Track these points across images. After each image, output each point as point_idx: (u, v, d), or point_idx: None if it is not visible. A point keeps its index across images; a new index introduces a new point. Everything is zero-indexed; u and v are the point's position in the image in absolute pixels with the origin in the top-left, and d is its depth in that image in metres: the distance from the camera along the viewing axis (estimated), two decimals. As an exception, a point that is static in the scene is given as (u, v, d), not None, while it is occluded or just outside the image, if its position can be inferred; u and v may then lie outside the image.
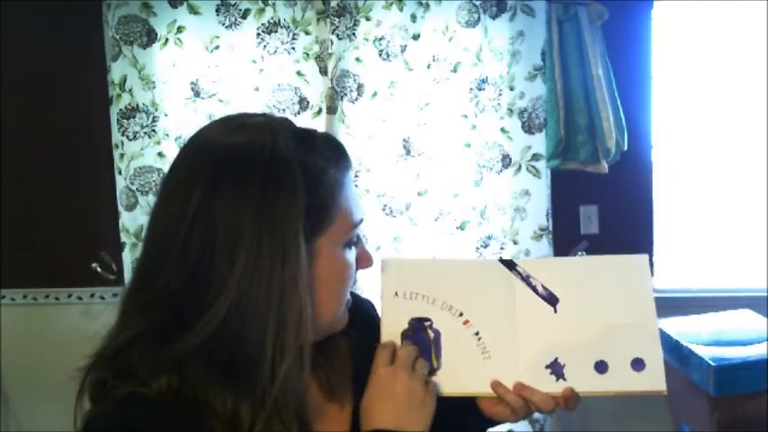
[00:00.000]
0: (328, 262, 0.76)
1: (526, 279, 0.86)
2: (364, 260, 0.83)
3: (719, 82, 2.48)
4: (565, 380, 0.83)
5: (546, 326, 0.84)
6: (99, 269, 2.43)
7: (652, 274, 0.88)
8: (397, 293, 0.86)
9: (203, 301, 0.69)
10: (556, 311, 0.85)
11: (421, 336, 0.84)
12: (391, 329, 0.84)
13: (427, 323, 0.84)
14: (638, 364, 0.83)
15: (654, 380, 0.83)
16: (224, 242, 0.69)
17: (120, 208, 2.27)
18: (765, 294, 2.31)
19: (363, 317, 0.91)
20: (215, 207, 0.70)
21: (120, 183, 2.26)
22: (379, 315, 0.87)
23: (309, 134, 0.77)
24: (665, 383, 0.83)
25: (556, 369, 0.83)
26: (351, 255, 0.79)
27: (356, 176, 2.25)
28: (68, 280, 2.48)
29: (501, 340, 0.84)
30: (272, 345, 0.70)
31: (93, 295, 2.51)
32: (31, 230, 2.51)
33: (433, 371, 0.83)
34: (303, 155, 0.73)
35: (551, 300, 0.85)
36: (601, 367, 0.83)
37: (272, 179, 0.70)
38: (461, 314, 0.85)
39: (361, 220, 0.80)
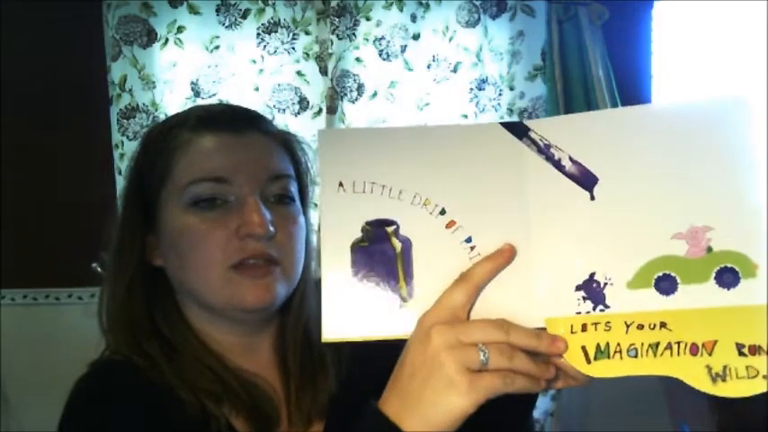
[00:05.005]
0: (170, 219, 0.80)
1: (545, 150, 0.56)
2: (243, 224, 0.72)
3: (719, 82, 2.48)
4: (607, 308, 0.54)
5: (577, 223, 0.55)
6: (99, 269, 2.42)
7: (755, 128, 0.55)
8: (342, 184, 0.57)
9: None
10: (593, 198, 0.55)
11: (381, 247, 0.56)
12: (336, 241, 0.56)
13: (391, 228, 0.56)
14: (726, 275, 0.53)
15: (752, 298, 0.52)
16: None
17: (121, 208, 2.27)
18: (765, 294, 2.31)
19: None
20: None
21: (121, 183, 2.26)
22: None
23: (203, 110, 0.84)
24: None
25: (592, 292, 0.54)
26: (200, 215, 0.75)
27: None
28: (68, 280, 2.47)
29: None
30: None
31: (93, 295, 2.50)
32: (31, 230, 2.50)
33: (401, 300, 0.57)
34: (159, 129, 0.84)
35: (586, 180, 0.55)
36: (664, 284, 0.53)
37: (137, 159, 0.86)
38: (443, 212, 0.57)
39: (202, 179, 0.75)
